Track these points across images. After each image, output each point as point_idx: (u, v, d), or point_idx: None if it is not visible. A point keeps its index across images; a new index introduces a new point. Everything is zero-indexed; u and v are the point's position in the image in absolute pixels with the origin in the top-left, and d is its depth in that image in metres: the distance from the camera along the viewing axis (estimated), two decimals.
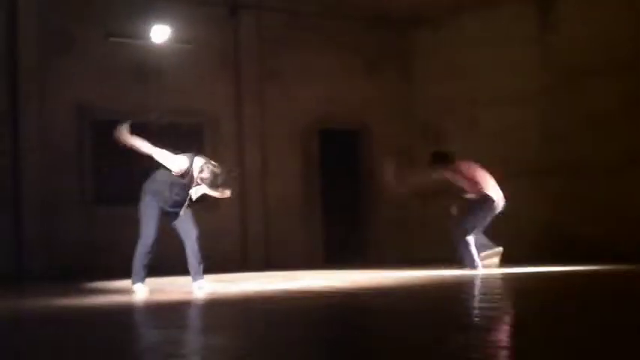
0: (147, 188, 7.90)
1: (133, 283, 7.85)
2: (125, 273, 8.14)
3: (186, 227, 7.89)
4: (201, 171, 7.72)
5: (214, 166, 7.81)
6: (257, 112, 13.62)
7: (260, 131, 13.62)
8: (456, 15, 13.85)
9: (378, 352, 3.85)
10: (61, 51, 12.21)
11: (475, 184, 9.94)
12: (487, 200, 9.85)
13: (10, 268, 11.43)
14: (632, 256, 10.36)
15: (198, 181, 7.76)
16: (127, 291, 7.86)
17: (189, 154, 7.87)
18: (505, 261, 10.15)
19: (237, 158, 13.41)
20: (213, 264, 8.18)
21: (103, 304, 7.09)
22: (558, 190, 12.35)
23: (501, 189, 10.06)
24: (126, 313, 6.33)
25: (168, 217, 7.91)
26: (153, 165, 7.97)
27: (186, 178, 7.76)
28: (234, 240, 13.24)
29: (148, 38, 12.38)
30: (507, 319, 5.13)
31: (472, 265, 9.73)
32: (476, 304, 6.24)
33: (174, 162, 7.74)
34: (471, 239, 9.81)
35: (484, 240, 10.01)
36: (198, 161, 7.76)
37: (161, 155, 7.75)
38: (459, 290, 7.53)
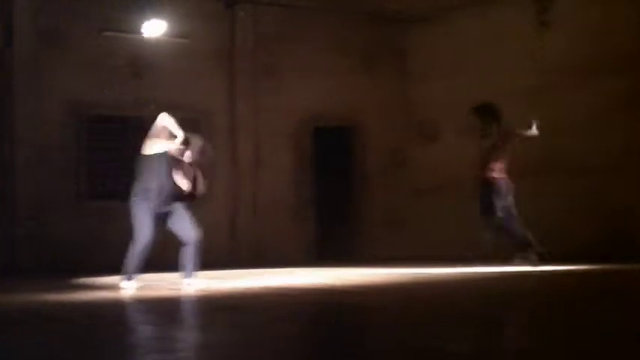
0: (136, 189, 7.83)
1: (123, 279, 7.81)
2: (116, 269, 8.11)
3: (186, 227, 7.85)
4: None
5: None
6: (251, 108, 13.59)
7: (254, 126, 13.59)
8: (452, 13, 13.82)
9: (368, 349, 3.83)
10: (54, 46, 12.17)
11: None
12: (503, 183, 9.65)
13: (0, 263, 11.40)
14: (628, 255, 10.34)
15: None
16: (117, 287, 7.83)
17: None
18: (502, 259, 10.11)
19: (231, 153, 13.39)
20: (204, 260, 8.13)
21: (93, 299, 7.06)
22: (556, 189, 12.33)
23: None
24: (115, 309, 6.31)
25: (162, 218, 7.84)
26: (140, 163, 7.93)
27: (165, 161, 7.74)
28: (225, 236, 13.21)
29: (143, 33, 12.32)
30: (499, 318, 5.11)
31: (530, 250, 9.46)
32: (465, 302, 6.22)
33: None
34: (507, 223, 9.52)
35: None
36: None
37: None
38: (450, 288, 7.51)
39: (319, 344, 4.06)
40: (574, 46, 12.22)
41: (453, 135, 13.91)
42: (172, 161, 7.81)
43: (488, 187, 9.74)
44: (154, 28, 12.25)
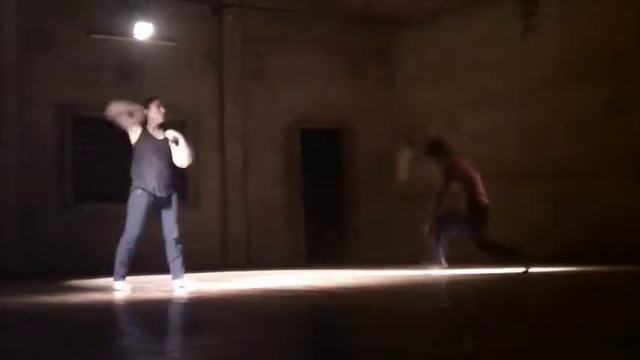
0: (133, 184, 7.81)
1: (114, 280, 7.79)
2: (106, 271, 8.08)
3: (170, 225, 7.84)
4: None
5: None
6: (239, 111, 13.59)
7: (242, 130, 13.59)
8: (440, 16, 13.88)
9: (358, 351, 3.85)
10: (42, 48, 12.13)
11: (472, 186, 9.54)
12: (479, 209, 9.52)
13: None
14: (609, 259, 10.41)
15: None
16: (108, 289, 7.81)
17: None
18: (486, 263, 10.16)
19: (219, 156, 13.38)
20: (194, 263, 8.13)
21: (83, 301, 7.04)
22: (541, 193, 12.39)
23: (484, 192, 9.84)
24: (106, 311, 6.29)
25: (158, 208, 7.82)
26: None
27: (146, 140, 7.78)
28: (215, 238, 13.20)
29: (130, 35, 12.29)
30: (490, 319, 5.14)
31: (436, 263, 9.60)
32: (452, 304, 6.25)
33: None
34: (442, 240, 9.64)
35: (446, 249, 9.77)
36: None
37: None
38: (437, 290, 7.54)
39: (311, 346, 4.07)
40: (560, 50, 12.29)
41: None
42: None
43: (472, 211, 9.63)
44: (142, 31, 12.23)
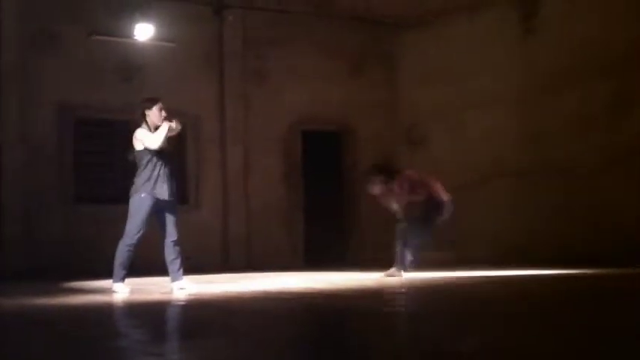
0: (137, 185, 7.77)
1: (114, 282, 7.77)
2: (106, 272, 8.07)
3: (170, 228, 7.82)
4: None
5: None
6: (240, 112, 13.59)
7: (243, 131, 13.58)
8: (441, 18, 13.87)
9: (359, 352, 3.83)
10: (43, 49, 12.13)
11: (426, 187, 9.82)
12: (438, 205, 9.75)
13: None
14: (610, 259, 10.38)
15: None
16: (108, 291, 7.79)
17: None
18: (490, 263, 10.14)
19: (220, 158, 13.37)
20: (194, 264, 8.11)
21: (83, 303, 7.02)
22: (542, 193, 12.38)
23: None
24: (105, 313, 6.28)
25: (159, 211, 7.79)
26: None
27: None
28: (215, 240, 13.19)
29: (131, 36, 12.29)
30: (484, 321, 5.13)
31: (404, 267, 9.68)
32: (449, 305, 6.24)
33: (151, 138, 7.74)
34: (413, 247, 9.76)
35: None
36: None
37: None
38: (440, 292, 7.53)
39: (312, 348, 4.05)
40: (561, 50, 12.28)
41: (442, 140, 13.95)
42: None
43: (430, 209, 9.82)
44: (143, 32, 12.24)
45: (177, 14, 12.99)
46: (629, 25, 11.44)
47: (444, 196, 9.89)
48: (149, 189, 7.67)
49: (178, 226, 7.87)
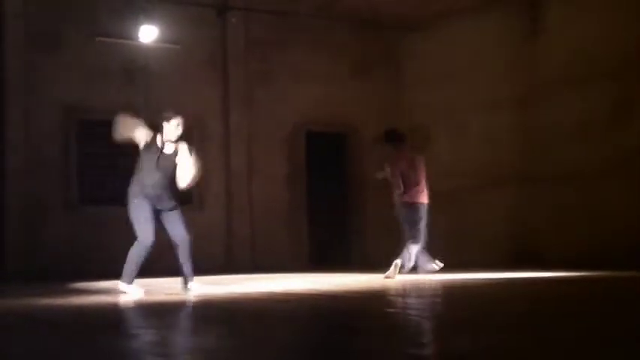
0: (131, 191, 7.80)
1: (123, 283, 7.76)
2: (110, 273, 8.08)
3: (179, 230, 7.83)
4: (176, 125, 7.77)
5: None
6: (244, 114, 13.61)
7: (247, 132, 13.60)
8: (445, 20, 13.88)
9: (360, 353, 3.84)
10: (48, 51, 12.15)
11: (414, 182, 9.78)
12: (419, 207, 9.78)
13: None
14: (613, 263, 10.38)
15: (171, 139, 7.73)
16: (114, 292, 7.80)
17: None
18: (490, 266, 10.15)
19: (224, 160, 13.39)
20: (199, 266, 8.12)
21: (88, 304, 7.04)
22: (545, 195, 12.38)
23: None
24: (113, 313, 6.29)
25: (160, 216, 7.81)
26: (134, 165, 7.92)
27: (154, 151, 7.70)
28: (220, 241, 13.20)
29: (136, 38, 12.32)
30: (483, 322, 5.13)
31: (404, 268, 9.70)
32: (450, 308, 6.24)
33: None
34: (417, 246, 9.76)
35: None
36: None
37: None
38: (441, 294, 7.53)
39: (317, 349, 4.06)
40: (564, 53, 12.28)
41: (445, 142, 13.95)
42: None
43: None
44: (147, 34, 12.26)
45: (181, 16, 13.01)
46: (632, 29, 11.43)
47: (424, 199, 9.84)
48: (138, 192, 7.69)
49: (188, 225, 7.87)
